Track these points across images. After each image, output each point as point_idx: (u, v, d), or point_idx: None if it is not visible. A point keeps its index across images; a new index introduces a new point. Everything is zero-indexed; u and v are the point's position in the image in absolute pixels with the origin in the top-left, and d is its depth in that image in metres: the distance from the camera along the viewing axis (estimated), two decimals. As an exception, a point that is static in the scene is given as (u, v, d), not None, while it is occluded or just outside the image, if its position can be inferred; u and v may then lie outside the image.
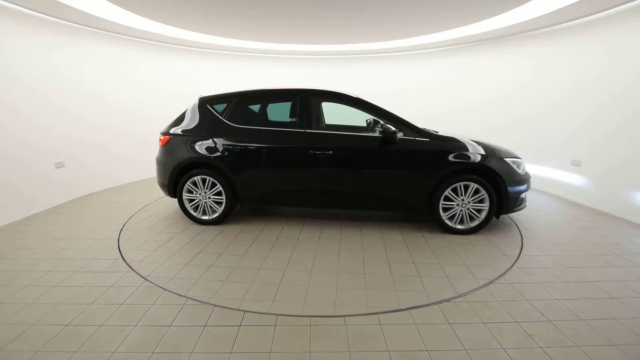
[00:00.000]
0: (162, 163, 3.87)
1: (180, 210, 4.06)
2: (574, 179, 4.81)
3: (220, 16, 4.83)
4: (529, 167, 3.79)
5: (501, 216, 3.89)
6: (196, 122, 3.80)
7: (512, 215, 4.07)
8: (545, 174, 5.25)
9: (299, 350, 1.87)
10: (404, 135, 3.43)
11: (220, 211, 3.78)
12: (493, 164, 3.33)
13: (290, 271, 2.77)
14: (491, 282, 2.59)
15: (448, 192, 3.39)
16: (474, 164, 3.32)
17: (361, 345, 1.90)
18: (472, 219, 3.48)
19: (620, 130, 4.18)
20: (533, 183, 3.66)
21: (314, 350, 1.87)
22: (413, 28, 5.53)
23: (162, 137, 3.89)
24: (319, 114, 4.40)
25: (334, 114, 4.27)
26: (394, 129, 3.33)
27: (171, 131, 3.84)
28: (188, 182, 3.74)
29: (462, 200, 3.41)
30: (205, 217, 3.84)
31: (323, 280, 2.62)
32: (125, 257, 3.02)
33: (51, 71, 4.69)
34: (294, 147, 3.55)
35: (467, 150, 3.36)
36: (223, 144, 3.64)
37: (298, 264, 2.90)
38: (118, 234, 3.58)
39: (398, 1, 4.12)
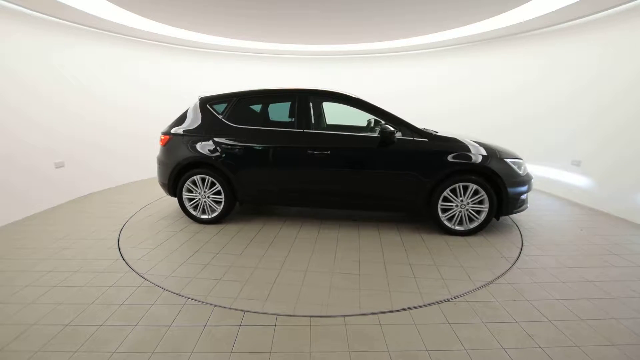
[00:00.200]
0: (162, 162, 3.90)
1: (180, 209, 4.08)
2: (574, 179, 4.81)
3: (220, 16, 4.83)
4: (529, 167, 3.78)
5: (502, 217, 3.86)
6: (196, 122, 3.82)
7: (512, 215, 4.07)
8: (546, 174, 5.25)
9: (299, 350, 1.87)
10: (402, 136, 3.41)
11: (219, 210, 3.80)
12: (492, 164, 3.29)
13: (285, 271, 2.78)
14: (491, 282, 2.59)
15: (447, 192, 3.37)
16: (472, 164, 3.30)
17: (361, 345, 1.90)
18: (471, 220, 3.45)
19: (621, 130, 4.18)
20: (533, 183, 3.64)
21: (314, 350, 1.86)
22: (413, 28, 5.53)
23: (162, 137, 3.91)
24: (320, 114, 4.41)
25: (336, 114, 4.27)
26: (392, 129, 3.32)
27: (172, 131, 3.86)
28: (188, 182, 3.76)
29: (461, 201, 3.38)
30: (205, 216, 3.85)
31: (317, 280, 2.62)
32: (125, 257, 3.02)
33: (51, 71, 4.69)
34: (292, 147, 3.55)
35: (466, 150, 3.34)
36: (222, 144, 3.65)
37: (293, 263, 2.91)
38: (118, 234, 3.58)
39: (398, 1, 4.12)
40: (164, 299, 2.37)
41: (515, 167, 3.38)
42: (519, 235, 3.52)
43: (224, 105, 3.80)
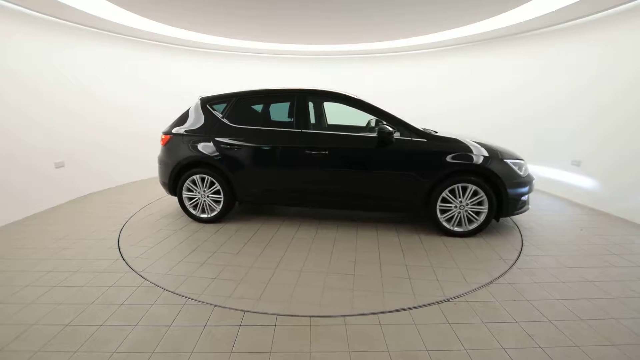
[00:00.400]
0: (163, 162, 3.93)
1: (180, 208, 4.09)
2: (574, 179, 4.81)
3: (220, 16, 4.83)
4: (529, 167, 3.76)
5: (502, 219, 3.83)
6: (196, 121, 3.83)
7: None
8: (546, 174, 5.25)
9: (299, 350, 1.87)
10: (400, 136, 3.39)
11: (218, 209, 3.81)
12: (492, 165, 3.24)
13: (281, 270, 2.78)
14: (487, 284, 2.58)
15: (445, 193, 3.33)
16: (471, 165, 3.26)
17: (361, 345, 1.90)
18: (470, 221, 3.41)
19: (621, 130, 4.18)
20: (535, 184, 3.59)
21: (314, 350, 1.86)
22: (413, 28, 5.53)
23: (163, 137, 3.93)
24: (322, 114, 4.41)
25: (339, 114, 4.25)
26: (390, 129, 3.29)
27: (172, 131, 3.88)
28: (187, 181, 3.78)
29: (460, 202, 3.35)
30: (204, 215, 3.87)
31: (311, 280, 2.62)
32: (125, 257, 3.02)
33: (51, 71, 4.69)
34: (290, 147, 3.54)
35: (465, 151, 3.30)
36: (221, 144, 3.66)
37: (289, 263, 2.91)
38: (118, 234, 3.58)
39: (398, 1, 4.12)
40: (164, 299, 2.37)
41: (515, 168, 3.33)
42: (519, 237, 3.49)
43: (224, 105, 3.82)
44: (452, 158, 3.28)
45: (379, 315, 2.19)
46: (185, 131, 3.81)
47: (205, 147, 3.69)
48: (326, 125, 4.47)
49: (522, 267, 2.84)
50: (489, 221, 3.35)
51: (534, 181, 3.52)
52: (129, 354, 1.84)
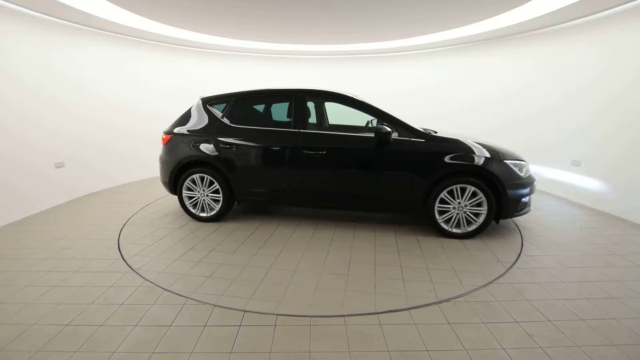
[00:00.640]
0: (164, 161, 3.95)
1: (180, 207, 4.11)
2: (574, 179, 4.81)
3: (220, 16, 4.83)
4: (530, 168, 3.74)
5: (502, 220, 3.81)
6: (196, 121, 3.85)
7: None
8: (546, 174, 5.25)
9: (299, 350, 1.87)
10: (399, 136, 3.36)
11: (217, 209, 3.82)
12: (491, 166, 3.19)
13: (275, 270, 2.78)
14: (483, 286, 2.55)
15: (444, 194, 3.30)
16: (470, 165, 3.21)
17: (361, 345, 1.90)
18: (469, 222, 3.35)
19: (621, 130, 4.18)
20: (536, 185, 3.54)
21: (314, 350, 1.86)
22: (413, 28, 5.53)
23: (164, 136, 3.95)
24: (322, 114, 4.41)
25: (340, 114, 4.24)
26: (387, 129, 3.27)
27: (173, 131, 3.91)
28: (187, 180, 3.80)
29: (459, 203, 3.30)
30: (204, 214, 3.88)
31: (304, 280, 2.62)
32: (125, 257, 3.02)
33: (51, 71, 4.69)
34: (288, 146, 3.54)
35: (465, 151, 3.25)
36: (221, 143, 3.67)
37: (284, 263, 2.91)
38: (118, 234, 3.58)
39: (398, 1, 4.12)
40: (164, 299, 2.37)
41: (516, 169, 3.27)
42: (519, 238, 3.46)
43: (223, 105, 3.83)
44: (451, 159, 3.25)
45: (379, 315, 2.19)
46: (186, 131, 3.83)
47: (205, 147, 3.71)
48: (327, 126, 4.47)
49: (522, 267, 2.84)
50: (488, 223, 3.31)
51: (535, 182, 3.46)
52: (129, 354, 1.84)
